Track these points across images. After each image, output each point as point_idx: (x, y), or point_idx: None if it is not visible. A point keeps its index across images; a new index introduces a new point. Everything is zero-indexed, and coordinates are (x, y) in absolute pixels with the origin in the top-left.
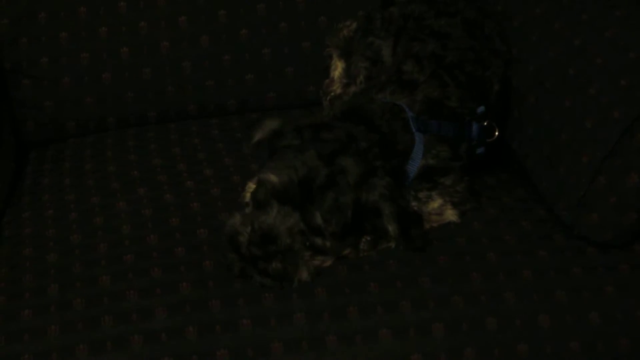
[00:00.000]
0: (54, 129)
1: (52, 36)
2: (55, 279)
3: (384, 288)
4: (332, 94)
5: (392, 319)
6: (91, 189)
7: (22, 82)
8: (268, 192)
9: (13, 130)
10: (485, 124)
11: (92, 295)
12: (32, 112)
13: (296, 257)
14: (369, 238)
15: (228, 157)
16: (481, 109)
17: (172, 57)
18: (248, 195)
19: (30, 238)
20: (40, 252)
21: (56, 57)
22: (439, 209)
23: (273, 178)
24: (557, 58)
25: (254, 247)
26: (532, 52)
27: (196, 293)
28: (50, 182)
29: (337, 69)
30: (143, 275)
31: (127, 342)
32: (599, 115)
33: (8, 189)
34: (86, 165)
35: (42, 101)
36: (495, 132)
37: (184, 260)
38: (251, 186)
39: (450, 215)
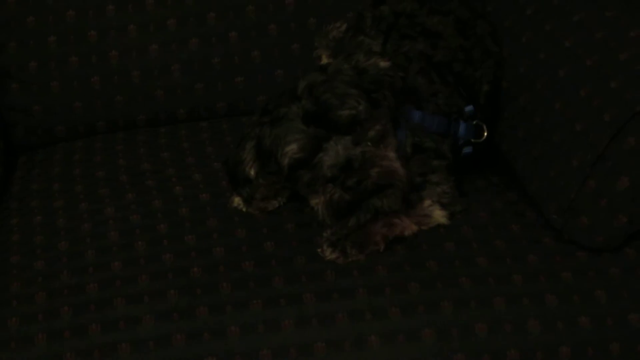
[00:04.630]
0: (43, 134)
1: (41, 40)
2: (43, 286)
3: (372, 294)
4: None
5: (381, 325)
6: (80, 195)
7: (11, 86)
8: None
9: (2, 134)
10: (474, 123)
11: (79, 303)
12: (21, 117)
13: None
14: None
15: (217, 161)
16: (469, 108)
17: (161, 61)
18: (237, 200)
19: (18, 245)
20: (27, 259)
21: (45, 61)
22: (428, 210)
23: (293, 146)
24: (548, 59)
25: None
26: (523, 53)
27: (184, 300)
28: (39, 187)
29: None
30: (131, 282)
31: (114, 351)
32: (590, 117)
33: None
34: (75, 170)
35: (31, 105)
36: (484, 132)
37: (172, 267)
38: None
39: (440, 216)
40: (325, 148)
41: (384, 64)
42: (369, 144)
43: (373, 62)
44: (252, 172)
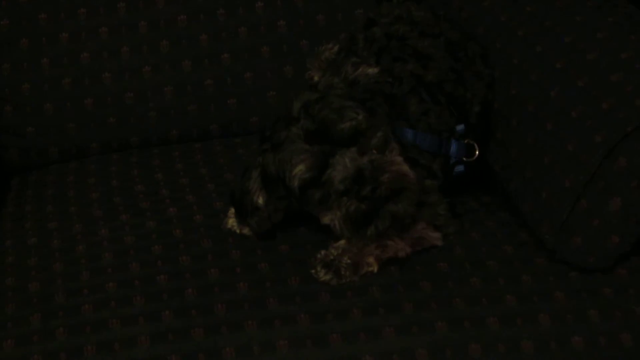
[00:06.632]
0: (36, 155)
1: (34, 62)
2: (38, 308)
3: (366, 314)
4: None
5: (375, 345)
6: (73, 216)
7: (4, 108)
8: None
9: None
10: (466, 142)
11: (74, 325)
12: (15, 139)
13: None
14: None
15: (211, 182)
16: (461, 127)
17: (154, 82)
18: (230, 222)
19: (12, 267)
20: (22, 281)
21: (38, 83)
22: (422, 232)
23: (301, 166)
24: (539, 81)
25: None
26: (514, 74)
27: (179, 321)
28: (33, 209)
29: None
30: (126, 304)
31: None
32: (581, 138)
33: None
34: (69, 192)
35: (24, 127)
36: (475, 151)
37: (167, 288)
38: (233, 212)
39: (433, 238)
40: (332, 163)
41: (372, 70)
42: (374, 151)
43: (361, 71)
44: (261, 201)
